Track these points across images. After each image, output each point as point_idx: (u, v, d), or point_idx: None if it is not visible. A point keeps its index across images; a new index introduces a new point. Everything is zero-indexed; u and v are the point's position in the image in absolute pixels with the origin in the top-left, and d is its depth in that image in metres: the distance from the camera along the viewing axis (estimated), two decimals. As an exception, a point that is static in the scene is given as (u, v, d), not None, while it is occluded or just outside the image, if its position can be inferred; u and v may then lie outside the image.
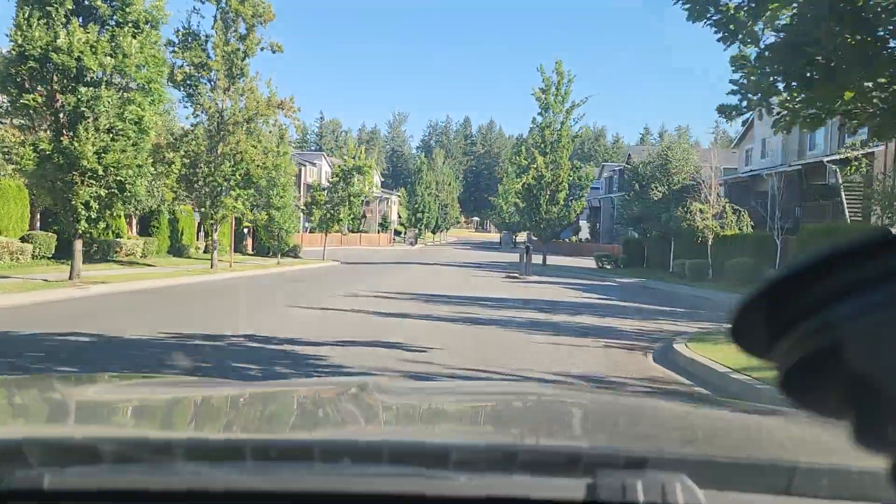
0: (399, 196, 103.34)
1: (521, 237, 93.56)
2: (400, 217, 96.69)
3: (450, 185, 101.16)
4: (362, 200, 38.55)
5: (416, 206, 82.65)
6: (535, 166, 37.95)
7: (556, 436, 1.64)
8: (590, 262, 47.88)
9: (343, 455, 1.10)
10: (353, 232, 78.32)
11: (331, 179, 38.73)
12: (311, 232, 72.39)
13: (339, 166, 38.21)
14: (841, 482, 1.10)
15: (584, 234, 79.20)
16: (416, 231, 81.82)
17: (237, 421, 1.78)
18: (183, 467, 1.07)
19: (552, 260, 48.33)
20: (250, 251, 41.55)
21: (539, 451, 1.25)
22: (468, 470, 1.05)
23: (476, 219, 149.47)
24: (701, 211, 29.12)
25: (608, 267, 42.76)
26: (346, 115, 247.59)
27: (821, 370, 0.58)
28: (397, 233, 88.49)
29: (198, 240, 36.63)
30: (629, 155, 75.35)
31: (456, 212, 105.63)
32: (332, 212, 38.09)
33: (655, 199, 34.68)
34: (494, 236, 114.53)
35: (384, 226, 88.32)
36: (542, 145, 38.48)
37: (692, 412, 2.00)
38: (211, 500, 1.03)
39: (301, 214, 39.94)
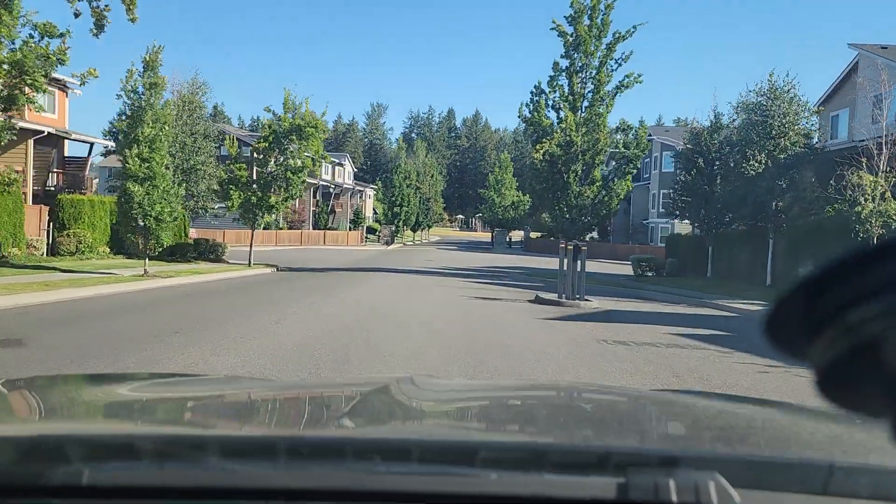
0: (375, 189, 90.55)
1: (517, 235, 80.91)
2: (376, 213, 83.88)
3: (432, 177, 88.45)
4: (304, 181, 25.91)
5: (394, 198, 69.93)
6: (562, 127, 25.51)
7: (586, 434, 1.58)
8: (617, 267, 35.91)
9: (373, 453, 1.11)
10: (317, 229, 65.58)
11: (257, 145, 26.08)
12: (264, 228, 59.63)
13: (269, 127, 25.61)
14: (880, 482, 1.06)
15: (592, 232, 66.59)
16: (394, 228, 69.09)
17: (270, 418, 1.79)
18: (217, 464, 1.07)
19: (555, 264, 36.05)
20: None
21: (569, 449, 1.23)
22: (498, 468, 1.04)
23: (461, 216, 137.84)
24: (864, 189, 16.89)
25: (649, 274, 30.77)
26: (321, 106, 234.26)
27: (858, 368, 0.57)
28: (372, 230, 75.70)
29: (48, 235, 23.86)
30: (649, 134, 63.80)
31: (439, 207, 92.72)
32: (258, 194, 25.49)
33: (752, 173, 22.46)
34: (483, 235, 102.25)
35: (357, 222, 75.61)
36: (571, 98, 26.12)
37: (726, 410, 1.94)
38: (244, 497, 1.03)
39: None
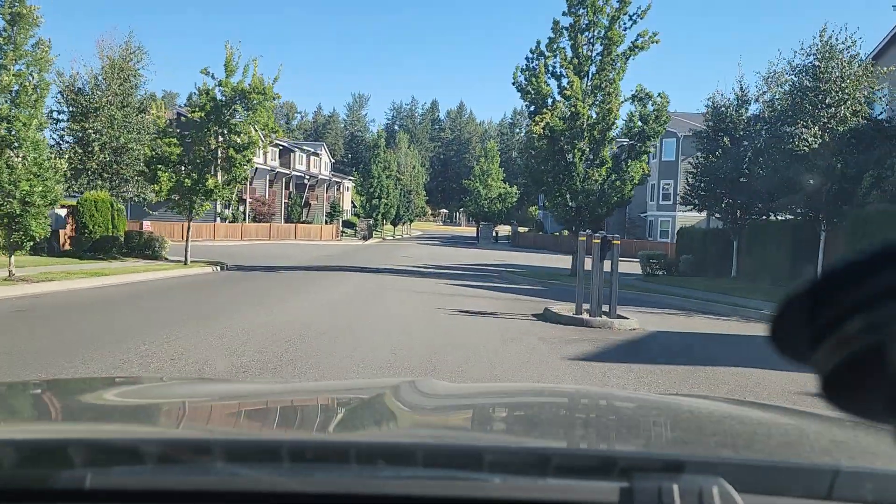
0: (353, 180, 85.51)
1: (504, 230, 76.01)
2: (355, 206, 79.00)
3: (414, 168, 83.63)
4: (250, 160, 21.16)
5: (372, 190, 64.99)
6: (566, 95, 20.95)
7: (590, 438, 1.59)
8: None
9: (377, 457, 1.10)
10: (290, 222, 60.63)
11: (192, 115, 21.25)
12: (230, 221, 54.68)
13: (206, 93, 20.80)
14: (885, 487, 1.06)
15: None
16: (371, 222, 64.20)
17: (273, 422, 1.76)
18: (221, 468, 1.06)
19: (550, 261, 31.15)
20: (68, 247, 23.92)
21: (573, 454, 1.23)
22: (502, 472, 1.04)
23: (444, 211, 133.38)
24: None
25: (659, 273, 26.49)
26: (302, 97, 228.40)
27: (863, 372, 0.57)
28: (349, 224, 70.82)
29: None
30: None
31: (422, 201, 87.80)
32: (192, 177, 20.70)
33: (805, 149, 18.02)
34: (467, 230, 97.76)
35: (333, 215, 70.74)
36: (576, 62, 21.54)
37: (730, 415, 1.91)
38: (249, 501, 1.03)
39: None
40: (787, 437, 1.64)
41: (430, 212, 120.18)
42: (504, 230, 71.66)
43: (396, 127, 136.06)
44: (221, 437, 1.37)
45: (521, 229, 66.14)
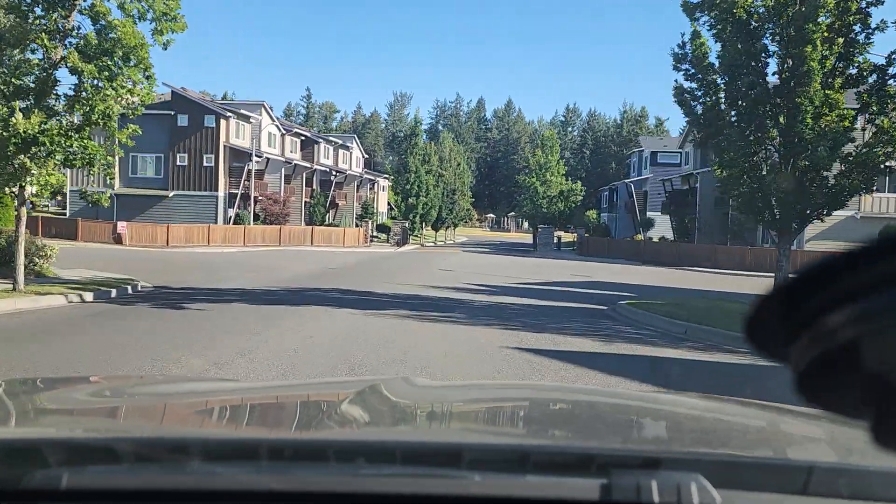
0: (388, 179, 74.89)
1: (568, 236, 63.98)
2: (392, 208, 68.36)
3: (458, 165, 72.56)
4: (112, 77, 10.16)
5: (409, 187, 54.22)
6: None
7: (569, 436, 1.61)
8: (728, 281, 20.41)
9: (357, 455, 1.11)
10: (311, 224, 50.35)
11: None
12: (234, 221, 44.50)
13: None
14: (859, 482, 1.08)
15: (661, 229, 50.43)
16: (407, 225, 53.35)
17: (252, 421, 1.78)
18: (199, 467, 1.07)
19: (652, 276, 20.01)
20: None
21: (552, 451, 1.25)
22: (481, 470, 1.05)
23: (492, 216, 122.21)
24: None
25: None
26: (341, 96, 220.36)
27: (838, 369, 0.57)
28: (384, 228, 60.10)
29: None
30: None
31: (467, 203, 76.50)
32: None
33: None
34: (518, 236, 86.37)
35: (364, 217, 60.28)
36: None
37: (708, 412, 1.95)
38: (227, 500, 1.03)
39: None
40: (764, 434, 1.65)
41: (476, 216, 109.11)
42: (567, 237, 60.04)
43: (440, 126, 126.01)
44: (199, 435, 1.36)
45: (585, 234, 54.45)
